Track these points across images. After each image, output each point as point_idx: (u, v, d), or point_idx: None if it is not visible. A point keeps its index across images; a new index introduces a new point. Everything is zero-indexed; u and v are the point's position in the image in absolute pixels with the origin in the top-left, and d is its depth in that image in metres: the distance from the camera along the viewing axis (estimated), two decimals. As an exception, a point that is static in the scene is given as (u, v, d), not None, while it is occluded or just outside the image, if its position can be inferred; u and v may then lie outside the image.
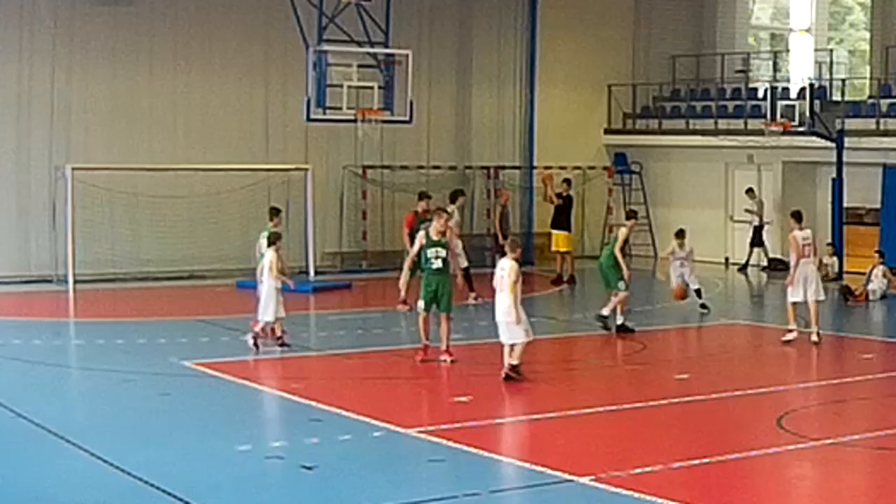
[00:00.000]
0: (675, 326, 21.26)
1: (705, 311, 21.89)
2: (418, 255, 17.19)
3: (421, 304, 16.94)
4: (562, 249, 26.92)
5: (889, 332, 21.36)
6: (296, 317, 20.18)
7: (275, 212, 20.21)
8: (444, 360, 16.80)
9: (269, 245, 18.13)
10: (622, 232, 20.44)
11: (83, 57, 26.35)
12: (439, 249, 16.86)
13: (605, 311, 19.69)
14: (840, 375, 16.82)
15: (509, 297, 15.37)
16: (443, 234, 16.95)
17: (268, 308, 17.78)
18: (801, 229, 19.05)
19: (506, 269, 15.51)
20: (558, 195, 26.92)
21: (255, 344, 17.73)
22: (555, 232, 27.11)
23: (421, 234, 17.24)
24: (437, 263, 16.79)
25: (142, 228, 26.73)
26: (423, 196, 22.76)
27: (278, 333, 17.99)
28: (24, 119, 25.98)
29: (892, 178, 27.78)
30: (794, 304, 18.91)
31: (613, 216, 32.95)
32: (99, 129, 26.60)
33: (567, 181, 27.85)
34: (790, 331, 18.82)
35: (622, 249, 20.14)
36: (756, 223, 29.86)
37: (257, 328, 17.98)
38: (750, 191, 30.13)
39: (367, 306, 23.23)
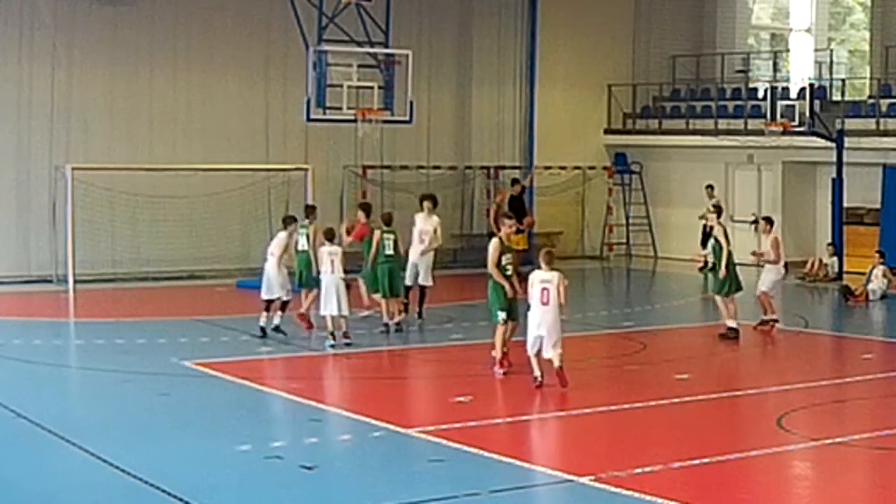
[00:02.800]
0: (676, 326, 21.25)
1: None
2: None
3: (502, 315, 16.16)
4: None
5: (889, 332, 21.35)
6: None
7: (311, 209, 20.22)
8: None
9: (328, 239, 18.18)
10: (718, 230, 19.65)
11: (83, 57, 26.34)
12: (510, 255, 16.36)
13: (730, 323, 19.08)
14: (840, 375, 16.83)
15: (556, 310, 15.13)
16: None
17: (329, 301, 17.84)
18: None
19: (553, 283, 15.10)
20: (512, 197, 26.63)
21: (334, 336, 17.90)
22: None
23: (496, 242, 16.29)
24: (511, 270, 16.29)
25: (142, 228, 26.71)
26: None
27: (343, 329, 17.98)
28: (24, 119, 25.97)
29: (892, 178, 27.76)
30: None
31: (613, 216, 32.99)
32: (99, 129, 26.59)
33: (514, 181, 27.90)
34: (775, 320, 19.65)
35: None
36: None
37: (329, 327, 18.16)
38: (710, 187, 29.56)
39: (368, 306, 23.18)
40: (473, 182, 30.97)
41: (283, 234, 19.18)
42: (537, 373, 15.20)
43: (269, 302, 18.87)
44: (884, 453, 12.32)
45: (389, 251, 19.52)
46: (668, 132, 32.31)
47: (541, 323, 15.08)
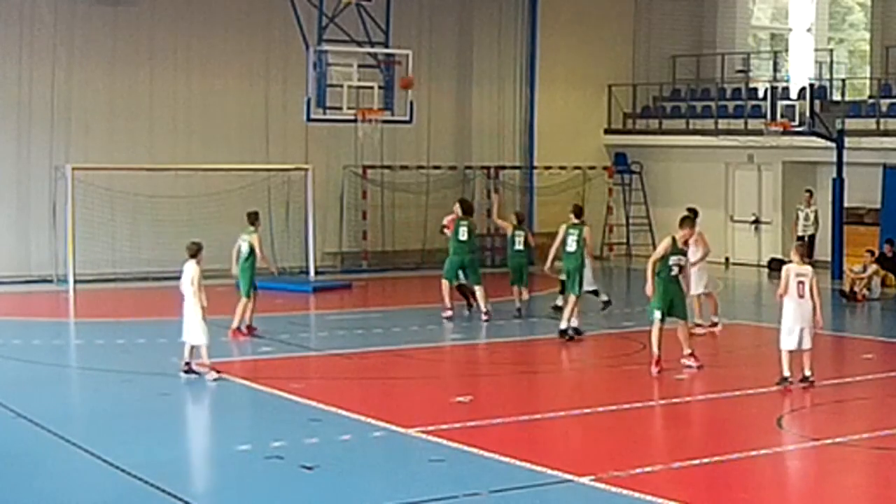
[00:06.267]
0: (676, 326, 21.20)
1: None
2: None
3: (658, 313, 16.31)
4: None
5: (889, 332, 21.35)
6: (296, 317, 20.20)
7: (254, 216, 19.74)
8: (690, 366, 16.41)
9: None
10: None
11: (83, 57, 26.35)
12: (681, 257, 16.48)
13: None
14: (840, 375, 16.80)
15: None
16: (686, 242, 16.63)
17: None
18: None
19: (809, 276, 15.37)
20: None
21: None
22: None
23: (668, 239, 16.52)
24: (676, 271, 16.41)
25: (142, 228, 26.72)
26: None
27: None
28: (24, 119, 25.98)
29: (892, 178, 27.76)
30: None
31: (613, 216, 33.00)
32: (99, 129, 26.59)
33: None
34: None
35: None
36: None
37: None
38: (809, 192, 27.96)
39: (367, 306, 23.20)
40: (473, 182, 30.97)
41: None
42: (787, 373, 15.18)
43: None
44: (884, 453, 12.32)
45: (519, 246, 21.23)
46: (668, 132, 32.32)
47: (801, 317, 15.21)
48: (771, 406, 14.32)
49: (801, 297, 15.21)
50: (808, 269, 15.38)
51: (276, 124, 28.35)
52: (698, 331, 19.31)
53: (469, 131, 31.30)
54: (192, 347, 15.69)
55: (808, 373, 15.20)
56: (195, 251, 15.87)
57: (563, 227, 19.65)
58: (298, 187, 27.61)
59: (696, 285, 19.65)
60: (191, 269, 15.74)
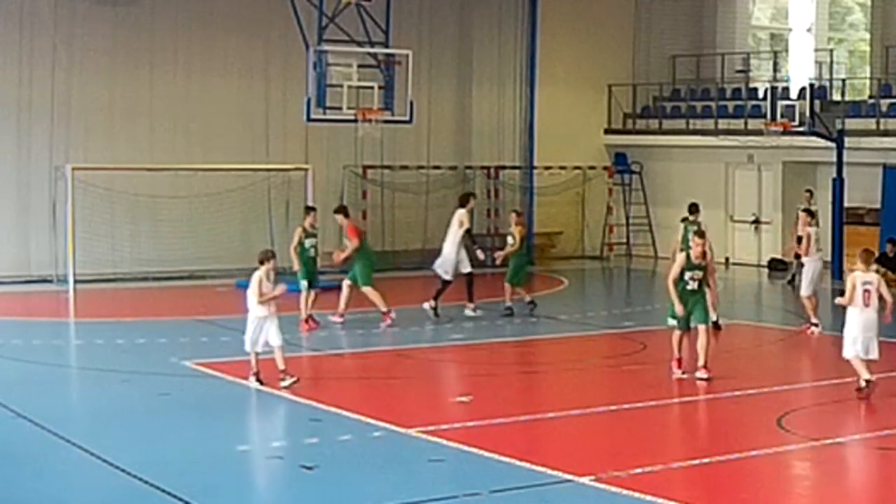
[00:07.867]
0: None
1: None
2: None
3: (671, 321, 16.02)
4: None
5: (889, 332, 21.30)
6: (296, 317, 20.16)
7: (308, 210, 21.16)
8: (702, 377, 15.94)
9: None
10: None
11: (83, 57, 26.35)
12: (696, 272, 15.88)
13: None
14: (840, 375, 16.78)
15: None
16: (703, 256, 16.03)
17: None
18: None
19: (875, 284, 15.10)
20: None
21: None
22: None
23: (682, 256, 16.04)
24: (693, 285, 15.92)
25: (142, 228, 26.72)
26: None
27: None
28: (24, 119, 25.98)
29: (892, 178, 27.77)
30: None
31: (613, 216, 33.00)
32: (99, 129, 26.59)
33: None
34: None
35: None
36: None
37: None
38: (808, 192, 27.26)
39: (367, 306, 23.17)
40: (473, 182, 30.95)
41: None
42: (867, 375, 14.77)
43: None
44: (884, 453, 12.33)
45: None
46: (668, 132, 32.33)
47: (866, 325, 14.85)
48: (771, 406, 14.32)
49: (867, 305, 14.82)
50: (873, 276, 14.99)
51: (276, 124, 28.35)
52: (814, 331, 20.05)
53: (469, 131, 31.30)
54: (258, 355, 15.38)
55: (868, 377, 14.78)
56: (262, 259, 15.53)
57: (682, 224, 20.34)
58: (298, 187, 27.58)
59: (807, 286, 20.45)
60: (255, 276, 15.45)
